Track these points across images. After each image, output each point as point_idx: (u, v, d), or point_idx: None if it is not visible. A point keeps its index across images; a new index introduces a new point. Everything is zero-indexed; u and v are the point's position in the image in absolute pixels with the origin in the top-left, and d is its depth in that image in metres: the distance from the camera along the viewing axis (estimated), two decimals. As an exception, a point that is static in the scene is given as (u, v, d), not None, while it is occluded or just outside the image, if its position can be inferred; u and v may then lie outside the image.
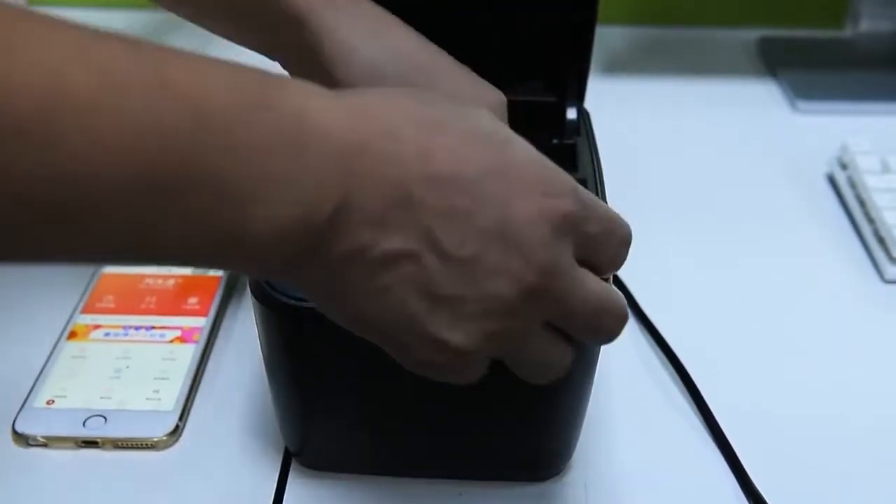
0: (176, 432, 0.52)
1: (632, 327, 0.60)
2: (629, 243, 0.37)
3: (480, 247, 0.32)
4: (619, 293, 0.37)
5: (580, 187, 0.35)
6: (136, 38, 0.28)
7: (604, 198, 0.47)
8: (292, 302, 0.42)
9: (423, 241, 0.32)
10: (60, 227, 0.27)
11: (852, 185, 0.71)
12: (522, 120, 0.57)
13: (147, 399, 0.53)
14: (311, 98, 0.31)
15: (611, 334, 0.37)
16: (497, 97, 0.47)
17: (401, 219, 0.31)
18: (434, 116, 0.33)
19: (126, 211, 0.27)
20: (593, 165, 0.51)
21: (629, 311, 0.37)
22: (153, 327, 0.58)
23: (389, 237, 0.31)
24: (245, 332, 0.59)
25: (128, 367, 0.55)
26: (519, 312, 0.33)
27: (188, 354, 0.56)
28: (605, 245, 0.35)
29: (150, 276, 0.61)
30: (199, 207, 0.28)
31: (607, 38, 0.91)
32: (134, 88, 0.27)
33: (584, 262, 0.35)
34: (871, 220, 0.67)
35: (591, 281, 0.35)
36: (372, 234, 0.31)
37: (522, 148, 0.34)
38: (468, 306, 0.32)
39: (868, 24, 0.92)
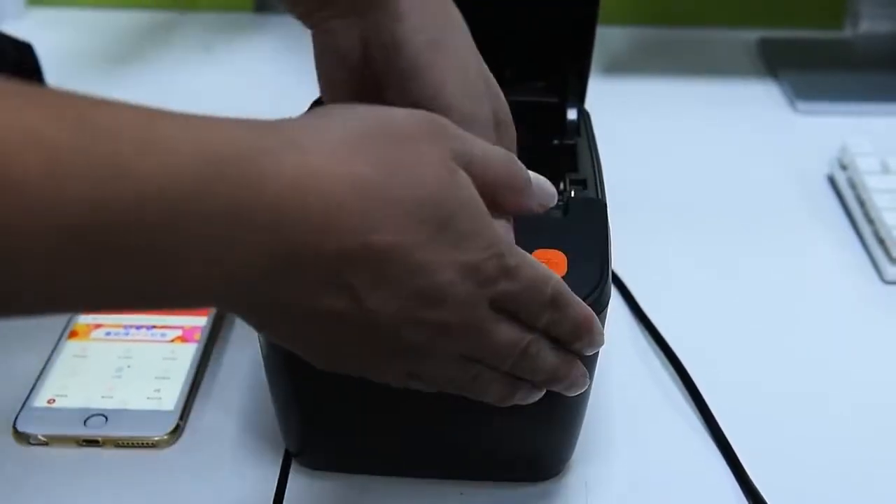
0: (176, 432, 0.52)
1: (631, 327, 0.60)
2: (554, 303, 0.38)
3: (402, 306, 0.34)
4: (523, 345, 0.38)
5: (506, 248, 0.36)
6: (95, 107, 0.29)
7: (603, 197, 0.47)
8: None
9: (351, 301, 0.34)
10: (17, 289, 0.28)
11: (852, 185, 0.71)
12: (523, 120, 0.57)
13: (148, 398, 0.53)
14: (257, 171, 0.31)
15: (525, 371, 0.39)
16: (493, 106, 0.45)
17: (331, 282, 0.33)
18: (380, 184, 0.33)
19: (63, 278, 0.29)
20: (593, 166, 0.51)
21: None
22: (154, 326, 0.58)
23: (319, 297, 0.33)
24: (245, 331, 0.59)
25: (129, 366, 0.55)
26: (433, 355, 0.37)
27: (189, 354, 0.56)
28: (521, 304, 0.37)
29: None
30: (135, 278, 0.30)
31: (608, 38, 0.90)
32: (85, 172, 0.27)
33: (514, 315, 0.37)
34: (870, 221, 0.67)
35: (500, 332, 0.37)
36: (304, 293, 0.33)
37: (461, 197, 0.35)
38: (394, 354, 0.37)
39: (868, 24, 0.92)
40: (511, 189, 0.38)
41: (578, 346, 0.40)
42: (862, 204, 0.69)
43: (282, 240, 0.32)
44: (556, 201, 0.41)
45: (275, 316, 0.35)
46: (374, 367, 0.38)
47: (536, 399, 0.41)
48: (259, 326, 0.37)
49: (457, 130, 0.37)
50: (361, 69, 0.45)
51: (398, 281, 0.34)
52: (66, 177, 0.27)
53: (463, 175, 0.36)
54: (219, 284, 0.32)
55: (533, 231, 0.43)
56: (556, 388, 0.41)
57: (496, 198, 0.38)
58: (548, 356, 0.39)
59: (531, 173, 0.40)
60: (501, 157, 0.39)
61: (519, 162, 0.39)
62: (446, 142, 0.36)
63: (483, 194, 0.36)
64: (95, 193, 0.28)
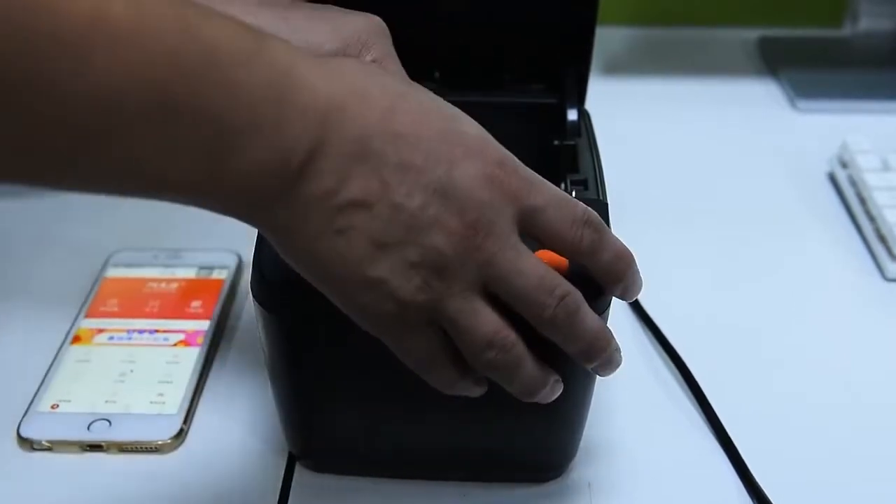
0: (180, 435, 0.52)
1: (633, 326, 0.60)
2: (590, 222, 0.38)
3: (425, 199, 0.35)
4: (573, 289, 0.38)
5: (526, 169, 0.38)
6: None
7: (604, 198, 0.48)
8: (295, 306, 0.42)
9: (377, 191, 0.35)
10: (83, 152, 0.31)
11: (853, 183, 0.71)
12: (523, 121, 0.58)
13: (151, 402, 0.53)
14: (297, 55, 0.35)
15: (563, 326, 0.38)
16: (374, 20, 0.45)
17: (361, 169, 0.35)
18: (397, 85, 0.37)
19: (135, 136, 0.31)
20: (594, 166, 0.51)
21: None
22: (157, 331, 0.58)
23: (350, 186, 0.35)
24: (248, 335, 0.59)
25: (132, 370, 0.55)
26: (455, 267, 0.36)
27: (192, 358, 0.56)
28: (554, 220, 0.37)
29: (153, 280, 0.62)
30: (196, 139, 0.32)
31: (607, 38, 0.90)
32: (161, 24, 0.31)
33: (540, 246, 0.38)
34: (871, 218, 0.67)
35: (531, 258, 0.37)
36: (335, 182, 0.34)
37: (472, 124, 0.38)
38: (408, 254, 0.35)
39: (867, 22, 0.92)
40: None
41: (589, 365, 0.40)
42: (863, 201, 0.69)
43: (322, 121, 0.34)
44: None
45: (299, 219, 0.35)
46: (382, 285, 0.36)
47: (478, 394, 0.40)
48: (283, 233, 0.36)
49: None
50: None
51: (419, 170, 0.35)
52: (156, 43, 0.30)
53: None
54: (270, 169, 0.33)
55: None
56: (526, 399, 0.40)
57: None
58: (531, 367, 0.39)
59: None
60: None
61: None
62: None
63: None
64: (169, 48, 0.30)
